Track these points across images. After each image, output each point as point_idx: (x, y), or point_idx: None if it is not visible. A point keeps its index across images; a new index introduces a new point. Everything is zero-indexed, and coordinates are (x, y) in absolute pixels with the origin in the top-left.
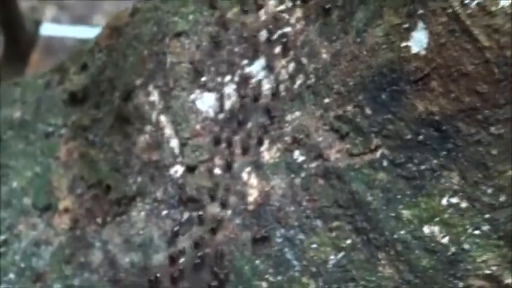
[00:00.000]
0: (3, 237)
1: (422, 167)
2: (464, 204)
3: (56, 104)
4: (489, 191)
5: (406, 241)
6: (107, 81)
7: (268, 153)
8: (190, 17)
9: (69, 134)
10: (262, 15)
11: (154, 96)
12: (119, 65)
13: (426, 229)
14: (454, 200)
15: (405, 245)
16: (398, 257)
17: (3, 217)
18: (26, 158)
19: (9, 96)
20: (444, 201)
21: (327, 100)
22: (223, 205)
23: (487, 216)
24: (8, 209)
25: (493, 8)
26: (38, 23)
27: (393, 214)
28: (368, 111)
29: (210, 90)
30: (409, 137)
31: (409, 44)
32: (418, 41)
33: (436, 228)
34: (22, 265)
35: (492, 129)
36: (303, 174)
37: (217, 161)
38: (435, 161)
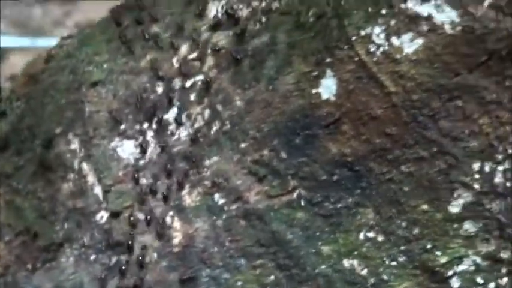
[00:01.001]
0: None
1: (339, 205)
2: (380, 238)
3: None
4: (403, 224)
5: (328, 275)
6: (27, 129)
7: (189, 197)
8: (105, 65)
9: None
10: (175, 62)
11: (75, 145)
12: (38, 113)
13: (346, 263)
14: (371, 235)
15: (326, 278)
16: None
17: None
18: None
19: None
20: (361, 236)
21: (243, 145)
22: (152, 249)
23: (402, 248)
24: None
25: (398, 56)
26: None
27: (313, 250)
28: (283, 154)
29: (129, 137)
30: (324, 177)
31: (319, 90)
32: (327, 87)
33: (355, 262)
34: None
35: (403, 167)
36: (224, 216)
37: (140, 206)
38: (350, 199)
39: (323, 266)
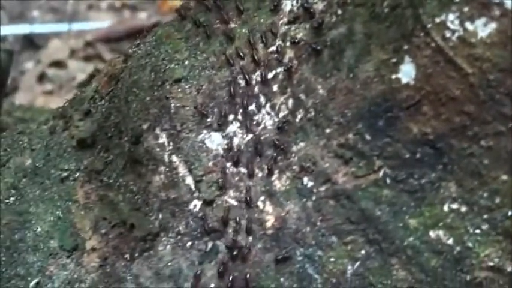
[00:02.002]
0: (36, 280)
1: (423, 181)
2: (464, 209)
3: (65, 149)
4: (485, 195)
5: (415, 246)
6: (113, 127)
7: (279, 182)
8: (186, 62)
9: (84, 177)
10: (256, 56)
11: (163, 139)
12: (123, 111)
13: (432, 234)
14: (454, 206)
15: (415, 249)
16: (409, 260)
17: (33, 261)
18: (45, 204)
19: (17, 145)
20: (445, 208)
21: (328, 130)
22: (245, 233)
23: (485, 216)
24: (37, 253)
25: (473, 40)
26: (10, 53)
27: (401, 224)
28: (367, 137)
29: (216, 130)
30: (407, 156)
31: (398, 76)
32: (406, 72)
33: (440, 232)
34: None
35: (482, 142)
36: (314, 198)
37: (233, 193)
38: (433, 175)
39: (411, 238)
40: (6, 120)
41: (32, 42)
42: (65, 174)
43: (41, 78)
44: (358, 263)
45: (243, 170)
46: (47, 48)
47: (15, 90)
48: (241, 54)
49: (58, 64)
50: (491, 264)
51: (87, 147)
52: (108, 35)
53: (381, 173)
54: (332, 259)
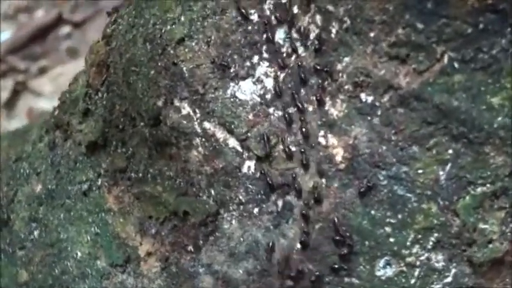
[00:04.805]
0: None
1: (494, 51)
2: None
3: (75, 160)
4: None
5: (506, 125)
6: (123, 116)
7: (334, 109)
8: (182, 18)
9: (109, 181)
10: None
11: (187, 109)
12: (128, 95)
13: None
14: None
15: (506, 128)
16: (504, 142)
17: None
18: (75, 225)
19: (19, 174)
20: None
21: (372, 34)
22: (316, 175)
23: None
24: (86, 280)
25: None
26: None
27: (484, 107)
28: (419, 25)
29: (244, 78)
30: (469, 30)
31: None
32: None
33: None
34: None
35: None
36: (379, 112)
37: (288, 139)
38: (504, 40)
39: (499, 118)
40: None
41: None
42: (85, 186)
43: None
44: (449, 165)
45: (290, 109)
46: None
47: None
48: None
49: None
50: None
51: (100, 149)
52: (15, 44)
53: (445, 59)
54: (420, 171)
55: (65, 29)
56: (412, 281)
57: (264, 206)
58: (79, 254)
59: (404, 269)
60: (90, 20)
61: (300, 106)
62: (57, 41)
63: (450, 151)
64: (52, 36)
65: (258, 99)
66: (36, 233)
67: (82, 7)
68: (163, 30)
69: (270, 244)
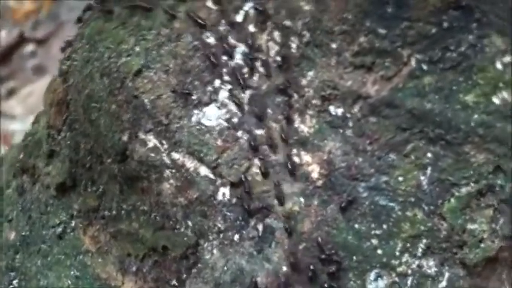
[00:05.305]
0: None
1: (462, 48)
2: None
3: (46, 203)
4: None
5: (483, 121)
6: (89, 154)
7: (304, 126)
8: (137, 48)
9: (83, 222)
10: (211, 5)
11: (153, 141)
12: (91, 133)
13: (496, 100)
14: (507, 59)
15: (484, 125)
16: (484, 139)
17: None
18: (54, 270)
19: None
20: (498, 65)
21: (334, 45)
22: (294, 195)
23: None
24: None
25: None
26: None
27: (458, 106)
28: (382, 31)
29: (207, 103)
30: (434, 30)
31: None
32: None
33: (504, 93)
34: None
35: None
36: (350, 124)
37: (260, 161)
38: (471, 36)
39: (475, 116)
40: None
41: None
42: (59, 229)
43: None
44: (429, 169)
45: (258, 132)
46: None
47: None
48: (193, 13)
49: None
50: None
51: (70, 190)
52: None
53: (413, 62)
54: (400, 178)
55: (29, 48)
56: None
57: (244, 232)
58: None
59: (396, 279)
60: (53, 36)
61: (268, 126)
62: (22, 60)
63: (429, 155)
64: (16, 56)
65: (225, 124)
66: (15, 282)
67: (43, 24)
68: (119, 63)
69: (253, 280)
